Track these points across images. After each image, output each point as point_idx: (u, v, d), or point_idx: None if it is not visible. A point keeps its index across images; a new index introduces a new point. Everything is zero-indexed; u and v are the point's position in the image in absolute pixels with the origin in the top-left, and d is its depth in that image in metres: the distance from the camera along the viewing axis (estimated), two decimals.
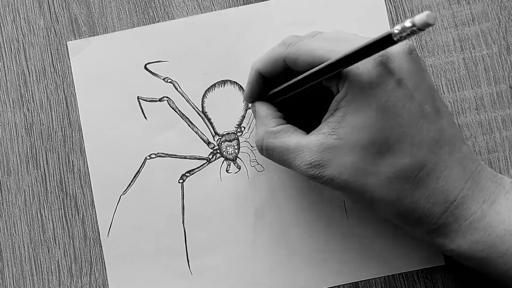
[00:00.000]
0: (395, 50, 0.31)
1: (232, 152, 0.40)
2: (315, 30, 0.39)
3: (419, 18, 0.24)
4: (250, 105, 0.39)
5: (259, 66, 0.35)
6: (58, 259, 0.39)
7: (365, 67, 0.30)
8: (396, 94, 0.30)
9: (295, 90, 0.34)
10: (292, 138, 0.33)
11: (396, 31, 0.25)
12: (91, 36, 0.41)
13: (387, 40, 0.26)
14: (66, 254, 0.39)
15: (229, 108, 0.40)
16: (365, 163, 0.31)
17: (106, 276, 0.39)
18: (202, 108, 0.40)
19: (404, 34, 0.25)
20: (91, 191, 0.40)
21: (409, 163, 0.31)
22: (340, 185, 0.32)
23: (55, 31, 0.41)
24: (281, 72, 0.34)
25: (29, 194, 0.40)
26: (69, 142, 0.40)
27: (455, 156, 0.32)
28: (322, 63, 0.31)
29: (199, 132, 0.40)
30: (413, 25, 0.24)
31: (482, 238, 0.31)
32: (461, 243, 0.32)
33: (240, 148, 0.40)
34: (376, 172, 0.31)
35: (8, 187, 0.40)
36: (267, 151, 0.34)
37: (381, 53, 0.30)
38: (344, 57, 0.29)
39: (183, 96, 0.40)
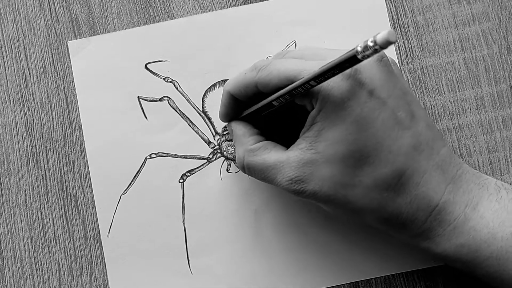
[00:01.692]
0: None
1: (233, 151, 0.40)
2: (284, 50, 0.39)
3: (381, 36, 0.24)
4: (226, 124, 0.38)
5: (231, 89, 0.35)
6: (58, 258, 0.40)
7: (335, 82, 0.30)
8: (368, 105, 0.30)
9: (268, 110, 0.34)
10: (272, 155, 0.33)
11: (359, 49, 0.25)
12: (91, 35, 0.41)
13: (352, 60, 0.27)
14: (66, 253, 0.40)
15: None
16: (344, 175, 0.31)
17: (107, 276, 0.39)
18: (203, 107, 0.40)
19: (367, 52, 0.25)
20: (92, 190, 0.40)
21: (387, 172, 0.31)
22: (322, 198, 0.32)
23: (55, 30, 0.41)
24: (253, 95, 0.34)
25: (30, 193, 0.40)
26: (69, 142, 0.40)
27: (434, 161, 0.32)
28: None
29: (199, 131, 0.40)
30: (375, 43, 0.24)
31: (467, 242, 0.31)
32: (446, 247, 0.32)
33: None
34: (356, 183, 0.31)
35: (9, 186, 0.40)
36: (249, 170, 0.34)
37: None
38: (310, 78, 0.29)
39: (184, 96, 0.40)
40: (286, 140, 0.34)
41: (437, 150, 0.32)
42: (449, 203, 0.32)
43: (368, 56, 0.26)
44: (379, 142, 0.30)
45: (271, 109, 0.34)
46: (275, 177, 0.33)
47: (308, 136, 0.32)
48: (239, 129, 0.36)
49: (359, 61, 0.26)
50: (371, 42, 0.25)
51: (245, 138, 0.35)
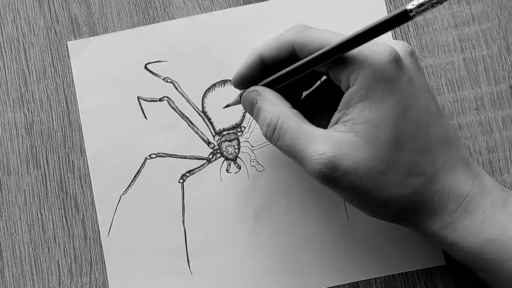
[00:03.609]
0: (399, 50, 0.31)
1: (232, 152, 0.40)
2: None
3: None
4: (241, 91, 0.36)
5: (263, 50, 0.33)
6: (58, 259, 0.39)
7: (379, 61, 0.30)
8: (409, 92, 0.30)
9: (289, 80, 0.32)
10: (309, 126, 0.32)
11: (412, 6, 0.26)
12: (91, 36, 0.41)
13: (402, 17, 0.26)
14: (66, 254, 0.39)
15: (229, 108, 0.40)
16: (382, 160, 0.30)
17: (106, 276, 0.39)
18: (202, 108, 0.40)
19: (421, 8, 0.25)
20: (91, 191, 0.40)
21: (423, 158, 0.31)
22: (352, 183, 0.30)
23: (55, 31, 0.41)
24: (284, 59, 0.33)
25: (29, 194, 0.40)
26: (69, 142, 0.40)
27: (461, 155, 0.32)
28: None
29: (199, 132, 0.40)
30: None
31: (494, 237, 0.31)
32: (473, 240, 0.31)
33: (240, 148, 0.40)
34: (394, 167, 0.30)
35: (8, 187, 0.40)
36: (279, 131, 0.32)
37: (393, 50, 0.30)
38: (357, 35, 0.29)
39: (183, 96, 0.40)
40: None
41: (462, 148, 0.33)
42: (477, 195, 0.31)
43: (419, 13, 0.26)
44: (417, 129, 0.31)
45: (292, 79, 0.32)
46: (305, 148, 0.31)
47: (348, 118, 0.31)
48: (270, 92, 0.33)
49: (409, 19, 0.26)
50: None
51: (279, 100, 0.33)
